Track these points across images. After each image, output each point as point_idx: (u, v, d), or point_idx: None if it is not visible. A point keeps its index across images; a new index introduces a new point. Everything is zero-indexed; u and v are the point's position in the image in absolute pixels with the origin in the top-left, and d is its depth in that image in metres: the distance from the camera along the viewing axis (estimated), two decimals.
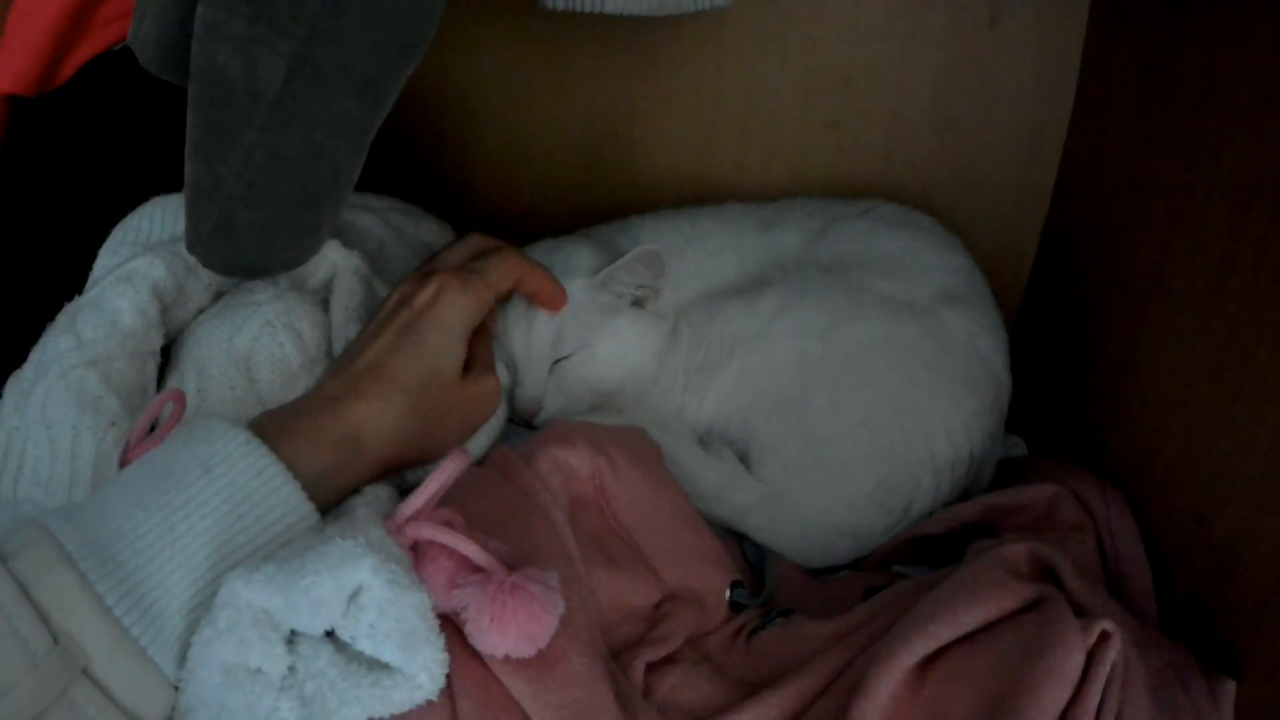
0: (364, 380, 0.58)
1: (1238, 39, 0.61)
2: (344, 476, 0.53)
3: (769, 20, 0.91)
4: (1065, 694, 0.47)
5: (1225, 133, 0.62)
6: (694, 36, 0.92)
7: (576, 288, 0.74)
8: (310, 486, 0.50)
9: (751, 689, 0.55)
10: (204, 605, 0.44)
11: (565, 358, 0.75)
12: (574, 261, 0.77)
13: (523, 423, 0.76)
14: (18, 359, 0.59)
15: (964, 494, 0.73)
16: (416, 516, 0.49)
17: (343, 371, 0.59)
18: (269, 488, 0.48)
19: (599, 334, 0.75)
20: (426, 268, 0.65)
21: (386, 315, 0.62)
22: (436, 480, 0.49)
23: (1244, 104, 0.60)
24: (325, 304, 0.68)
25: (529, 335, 0.74)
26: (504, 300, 0.73)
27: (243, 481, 0.48)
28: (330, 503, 0.52)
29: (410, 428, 0.57)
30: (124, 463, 0.55)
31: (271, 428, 0.52)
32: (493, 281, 0.65)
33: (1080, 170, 0.87)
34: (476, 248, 0.68)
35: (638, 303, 0.77)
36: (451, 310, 0.61)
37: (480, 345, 0.66)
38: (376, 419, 0.56)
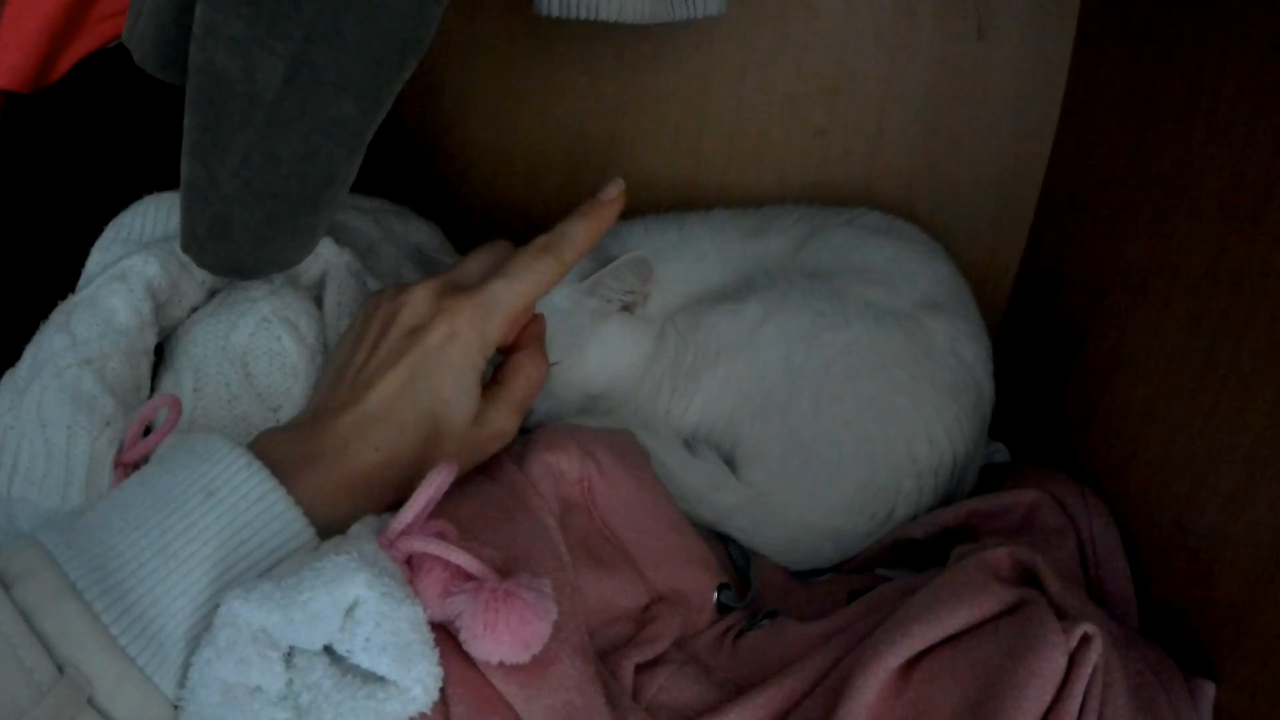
0: (375, 428, 0.55)
1: (1224, 53, 0.62)
2: (350, 517, 0.52)
3: (758, 28, 0.91)
4: (1047, 695, 0.48)
5: (1210, 146, 0.62)
6: (684, 42, 0.92)
7: (565, 294, 0.74)
8: (315, 524, 0.50)
9: (738, 690, 0.55)
10: (204, 627, 0.44)
11: (554, 364, 0.75)
12: None
13: None
14: (12, 357, 0.59)
15: (947, 499, 0.73)
16: (408, 530, 0.49)
17: (347, 400, 0.56)
18: (271, 513, 0.48)
19: (588, 339, 0.75)
20: (442, 282, 0.60)
21: (394, 344, 0.58)
22: (425, 494, 0.49)
23: (1229, 117, 0.61)
24: (318, 301, 0.68)
25: None
26: None
27: (244, 507, 0.47)
28: (330, 534, 0.51)
29: (417, 472, 0.54)
30: (118, 465, 0.55)
31: (280, 464, 0.50)
32: (511, 313, 0.60)
33: (1065, 181, 0.87)
34: (494, 261, 0.63)
35: (626, 308, 0.77)
36: (466, 357, 0.58)
37: (513, 375, 0.62)
38: (384, 469, 0.55)
